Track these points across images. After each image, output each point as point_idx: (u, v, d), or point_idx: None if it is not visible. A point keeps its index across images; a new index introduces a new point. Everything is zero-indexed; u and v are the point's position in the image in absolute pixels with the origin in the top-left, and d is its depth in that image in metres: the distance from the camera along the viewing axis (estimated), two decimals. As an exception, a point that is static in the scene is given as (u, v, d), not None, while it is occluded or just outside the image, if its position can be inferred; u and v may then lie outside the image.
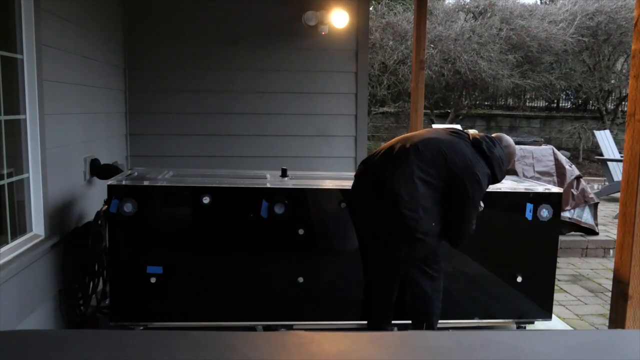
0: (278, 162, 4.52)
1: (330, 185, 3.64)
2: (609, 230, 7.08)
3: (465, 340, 1.21)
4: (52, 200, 3.43)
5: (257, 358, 1.08)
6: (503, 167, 3.05)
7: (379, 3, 12.95)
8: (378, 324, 3.32)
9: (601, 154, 9.48)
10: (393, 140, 3.21)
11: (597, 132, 9.90)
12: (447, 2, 14.28)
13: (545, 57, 13.22)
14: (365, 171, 3.17)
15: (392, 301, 3.27)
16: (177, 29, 5.31)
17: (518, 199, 3.60)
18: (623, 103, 13.96)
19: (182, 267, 3.46)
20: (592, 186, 9.13)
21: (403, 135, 3.25)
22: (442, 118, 13.28)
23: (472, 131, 3.38)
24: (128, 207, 3.31)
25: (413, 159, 2.93)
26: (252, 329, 3.50)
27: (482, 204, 3.43)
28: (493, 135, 3.18)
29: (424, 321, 3.13)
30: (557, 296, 4.65)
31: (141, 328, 3.42)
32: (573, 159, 12.23)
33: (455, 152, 2.95)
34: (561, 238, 5.98)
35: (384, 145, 3.22)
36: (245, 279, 3.49)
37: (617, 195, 7.38)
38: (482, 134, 3.19)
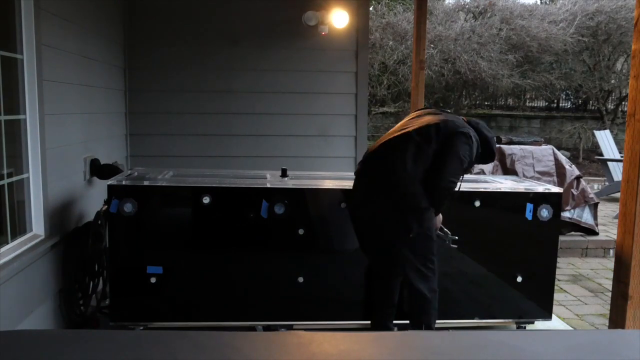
0: (278, 162, 4.51)
1: (330, 185, 3.64)
2: (609, 230, 7.07)
3: (465, 340, 1.21)
4: (52, 200, 3.43)
5: (257, 358, 1.08)
6: (492, 146, 3.20)
7: (379, 3, 12.95)
8: (383, 322, 3.35)
9: (601, 154, 9.48)
10: (386, 134, 3.31)
11: (597, 132, 9.90)
12: (447, 2, 14.28)
13: (545, 57, 13.23)
14: (364, 167, 3.24)
15: (396, 298, 3.33)
16: (177, 29, 5.31)
17: (518, 199, 3.60)
18: (623, 103, 13.96)
19: (182, 267, 3.46)
20: (592, 186, 9.13)
21: (400, 123, 3.36)
22: (442, 118, 13.26)
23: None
24: (128, 207, 3.31)
25: (410, 142, 3.06)
26: (252, 329, 3.50)
27: (477, 204, 3.45)
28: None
29: (422, 321, 3.14)
30: (557, 296, 4.65)
31: (141, 328, 3.42)
32: (573, 159, 12.22)
33: (447, 120, 3.12)
34: (561, 238, 5.98)
35: (377, 141, 3.29)
36: (245, 279, 3.49)
37: (617, 195, 7.37)
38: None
